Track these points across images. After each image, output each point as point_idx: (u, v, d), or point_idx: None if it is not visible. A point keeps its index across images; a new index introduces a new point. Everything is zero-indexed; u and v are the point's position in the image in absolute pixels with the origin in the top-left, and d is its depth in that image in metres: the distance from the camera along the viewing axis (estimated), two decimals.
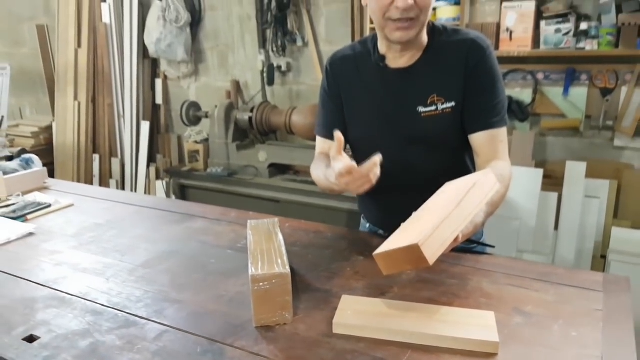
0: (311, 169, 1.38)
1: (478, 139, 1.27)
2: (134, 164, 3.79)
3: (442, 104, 1.24)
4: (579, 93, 2.48)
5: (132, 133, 3.74)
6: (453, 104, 1.24)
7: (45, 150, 3.83)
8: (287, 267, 1.00)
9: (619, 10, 2.23)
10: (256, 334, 0.98)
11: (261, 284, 0.97)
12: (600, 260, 2.44)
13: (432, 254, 0.93)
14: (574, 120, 2.52)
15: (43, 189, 1.99)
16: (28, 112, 4.61)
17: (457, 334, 0.91)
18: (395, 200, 1.35)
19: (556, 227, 2.51)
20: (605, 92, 2.42)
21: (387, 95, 1.28)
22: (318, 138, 1.45)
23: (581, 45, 2.34)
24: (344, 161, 1.05)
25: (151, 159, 3.82)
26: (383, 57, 1.29)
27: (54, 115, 3.99)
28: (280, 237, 1.16)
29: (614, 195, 2.47)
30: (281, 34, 3.07)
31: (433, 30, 1.28)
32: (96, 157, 3.81)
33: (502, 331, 0.92)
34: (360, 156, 1.40)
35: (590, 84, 2.46)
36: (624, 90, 2.40)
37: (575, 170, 2.45)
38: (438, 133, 1.26)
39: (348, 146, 1.45)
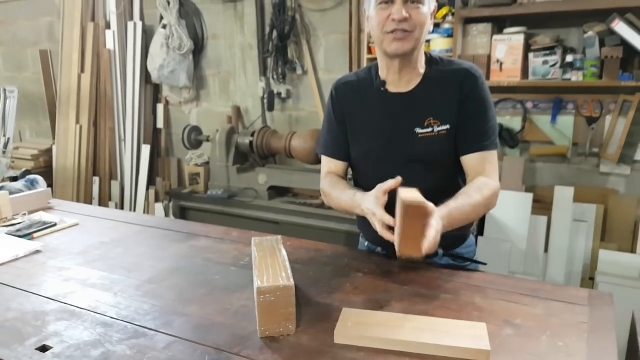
0: (327, 188, 1.45)
1: (469, 161, 1.35)
2: (134, 186, 3.83)
3: (438, 126, 1.32)
4: (566, 121, 2.56)
5: (132, 156, 3.78)
6: (448, 127, 1.32)
7: (45, 173, 3.86)
8: (291, 280, 1.04)
9: (602, 44, 2.31)
10: (261, 344, 1.02)
11: (266, 295, 1.02)
12: (589, 282, 2.47)
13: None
14: (562, 147, 2.58)
15: (48, 209, 2.03)
16: (28, 135, 4.67)
17: (452, 343, 0.96)
18: (395, 218, 1.41)
19: (546, 249, 2.55)
20: (591, 120, 2.49)
21: (387, 117, 1.37)
22: (324, 158, 1.52)
23: (567, 76, 2.42)
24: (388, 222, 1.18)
25: (151, 181, 3.86)
26: (384, 82, 1.38)
27: (54, 138, 4.04)
28: (284, 252, 1.21)
29: (600, 219, 2.52)
30: (282, 63, 3.16)
31: (430, 60, 1.37)
32: (96, 179, 3.85)
33: (493, 341, 0.97)
34: (361, 174, 1.49)
35: (576, 113, 2.53)
36: (608, 119, 2.47)
37: (563, 195, 2.51)
38: (433, 153, 1.34)
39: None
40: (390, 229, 1.18)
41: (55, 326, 1.12)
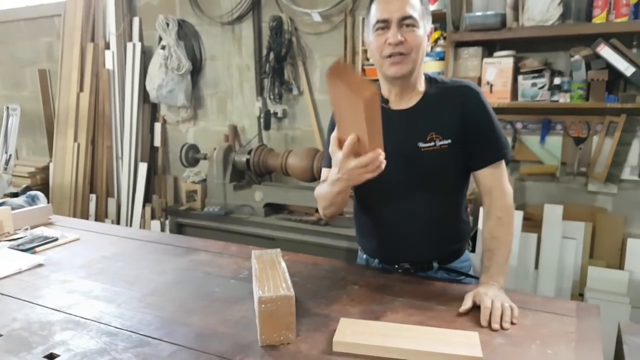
0: (316, 190, 1.46)
1: (482, 175, 1.39)
2: (130, 203, 3.85)
3: (440, 140, 1.35)
4: (555, 141, 2.60)
5: (129, 174, 3.81)
6: (449, 141, 1.36)
7: (41, 190, 3.81)
8: (292, 290, 1.08)
9: (588, 67, 2.35)
10: (262, 352, 1.06)
11: (268, 305, 1.05)
12: (578, 297, 2.50)
13: None
14: (551, 167, 2.62)
15: (48, 224, 2.06)
16: (24, 153, 4.70)
17: (445, 351, 1.00)
18: (394, 230, 1.45)
19: (536, 266, 2.58)
20: (579, 140, 2.54)
21: (390, 133, 1.38)
22: (324, 170, 1.54)
23: (555, 98, 2.45)
24: (345, 143, 1.15)
25: (147, 199, 3.88)
26: (387, 101, 1.42)
27: (51, 156, 4.07)
28: (284, 264, 1.24)
29: (589, 236, 2.55)
30: (278, 83, 3.22)
31: (429, 79, 1.43)
32: (93, 196, 3.87)
33: (485, 349, 1.01)
34: (364, 188, 1.51)
35: (564, 133, 2.57)
36: (595, 139, 2.52)
37: (552, 213, 2.55)
38: (436, 166, 1.37)
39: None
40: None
41: (61, 335, 1.15)
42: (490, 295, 1.20)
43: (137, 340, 1.12)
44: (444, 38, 2.60)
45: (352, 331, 1.08)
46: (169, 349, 1.09)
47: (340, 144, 1.18)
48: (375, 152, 1.13)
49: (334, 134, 1.21)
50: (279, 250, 1.36)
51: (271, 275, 1.17)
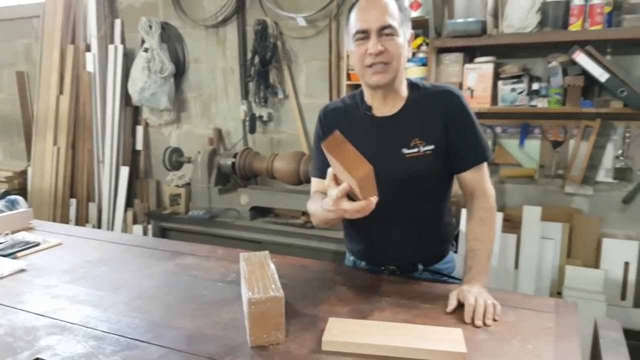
0: (308, 205, 1.48)
1: (465, 177, 1.42)
2: (112, 208, 3.80)
3: (424, 146, 1.38)
4: (533, 145, 2.66)
5: (111, 178, 3.76)
6: (433, 146, 1.38)
7: (19, 195, 3.82)
8: (281, 291, 1.10)
9: (564, 73, 2.41)
10: (252, 353, 1.07)
11: (257, 306, 1.06)
12: (557, 296, 2.55)
13: None
14: (529, 169, 2.68)
15: (29, 229, 2.02)
16: (1, 157, 4.60)
17: (431, 347, 1.03)
18: (380, 235, 1.47)
19: (516, 266, 2.63)
20: (556, 144, 2.60)
21: (374, 139, 1.41)
22: (313, 179, 1.56)
23: (533, 103, 2.49)
24: (339, 187, 1.15)
25: (129, 203, 3.84)
26: (370, 107, 1.44)
27: (29, 160, 3.99)
28: (272, 266, 1.25)
29: (566, 236, 2.60)
30: (263, 87, 3.21)
31: (411, 85, 1.45)
32: (73, 201, 3.81)
33: (468, 345, 1.04)
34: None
35: (542, 137, 2.64)
36: (571, 142, 2.58)
37: (531, 214, 2.60)
38: (420, 172, 1.39)
39: None
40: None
41: (47, 340, 1.14)
42: (474, 293, 1.23)
43: (125, 344, 1.12)
44: (427, 44, 2.64)
45: (340, 330, 1.10)
46: (158, 351, 1.09)
47: (336, 179, 1.19)
48: (369, 201, 1.13)
49: (331, 170, 1.20)
50: (267, 252, 1.37)
51: (260, 277, 1.18)
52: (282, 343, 1.10)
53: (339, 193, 1.14)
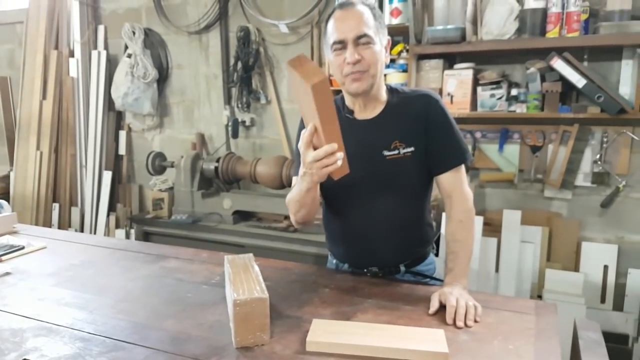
0: (287, 197, 1.49)
1: (443, 179, 1.46)
2: (94, 212, 3.78)
3: (403, 148, 1.42)
4: (512, 150, 2.70)
5: (93, 182, 3.74)
6: (412, 149, 1.42)
7: (2, 199, 3.78)
8: (265, 293, 1.12)
9: (543, 79, 2.46)
10: (237, 353, 1.08)
11: (242, 307, 1.08)
12: (537, 299, 2.57)
13: None
14: (509, 174, 2.72)
15: (13, 232, 2.02)
16: None
17: (414, 347, 1.05)
18: (362, 236, 1.50)
19: (497, 269, 2.66)
20: (535, 149, 2.65)
21: (356, 142, 1.43)
22: (294, 179, 1.55)
23: (512, 108, 2.52)
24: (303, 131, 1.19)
25: (111, 208, 3.82)
26: (351, 111, 1.48)
27: (11, 165, 3.96)
28: (257, 268, 1.27)
29: (546, 240, 2.64)
30: (246, 92, 3.23)
31: (390, 89, 1.49)
32: (56, 205, 3.78)
33: (450, 345, 1.07)
34: (332, 195, 1.54)
35: (521, 142, 2.68)
36: (550, 147, 2.63)
37: (511, 218, 2.64)
38: (400, 173, 1.43)
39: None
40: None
41: (34, 342, 1.15)
42: (455, 295, 1.26)
43: (111, 345, 1.13)
44: (407, 51, 2.67)
45: (324, 331, 1.12)
46: (144, 352, 1.10)
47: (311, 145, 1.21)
48: (330, 146, 1.15)
49: (304, 131, 1.23)
50: (251, 255, 1.39)
51: (245, 279, 1.20)
52: (266, 344, 1.11)
53: (303, 140, 1.19)
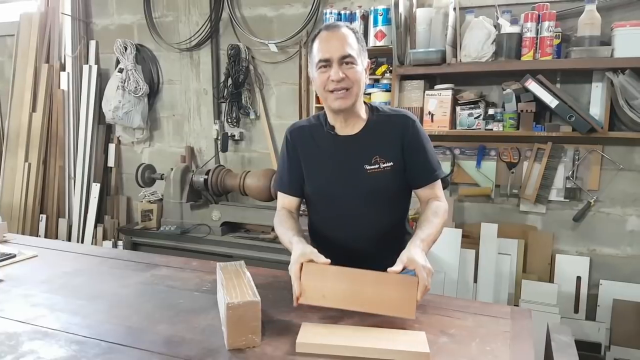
0: (275, 223, 1.59)
1: (422, 192, 1.56)
2: (82, 224, 3.78)
3: (384, 163, 1.51)
4: (489, 166, 2.81)
5: (82, 194, 3.75)
6: (392, 163, 1.51)
7: None
8: (257, 296, 1.17)
9: (518, 99, 2.57)
10: (229, 355, 1.13)
11: (235, 310, 1.13)
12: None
13: None
14: (486, 189, 2.82)
15: (3, 241, 2.03)
16: None
17: (398, 348, 1.12)
18: (345, 247, 1.57)
19: (475, 279, 2.74)
20: (511, 165, 2.76)
21: (338, 157, 1.54)
22: (279, 194, 1.67)
23: (489, 126, 2.63)
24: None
25: (99, 219, 3.83)
26: (333, 127, 1.56)
27: None
28: (248, 274, 1.33)
29: (522, 252, 2.74)
30: (236, 108, 3.31)
31: (370, 108, 1.58)
32: (43, 217, 3.78)
33: (431, 347, 1.13)
34: (316, 207, 1.64)
35: (498, 159, 2.79)
36: (525, 164, 2.74)
37: (488, 231, 2.73)
38: (381, 186, 1.52)
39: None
40: None
41: (30, 345, 1.18)
42: (420, 264, 1.29)
43: (106, 348, 1.17)
44: (390, 71, 2.77)
45: (313, 333, 1.18)
46: (139, 354, 1.14)
47: None
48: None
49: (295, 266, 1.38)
50: (242, 262, 1.44)
51: (237, 284, 1.25)
52: (258, 346, 1.16)
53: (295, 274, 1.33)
